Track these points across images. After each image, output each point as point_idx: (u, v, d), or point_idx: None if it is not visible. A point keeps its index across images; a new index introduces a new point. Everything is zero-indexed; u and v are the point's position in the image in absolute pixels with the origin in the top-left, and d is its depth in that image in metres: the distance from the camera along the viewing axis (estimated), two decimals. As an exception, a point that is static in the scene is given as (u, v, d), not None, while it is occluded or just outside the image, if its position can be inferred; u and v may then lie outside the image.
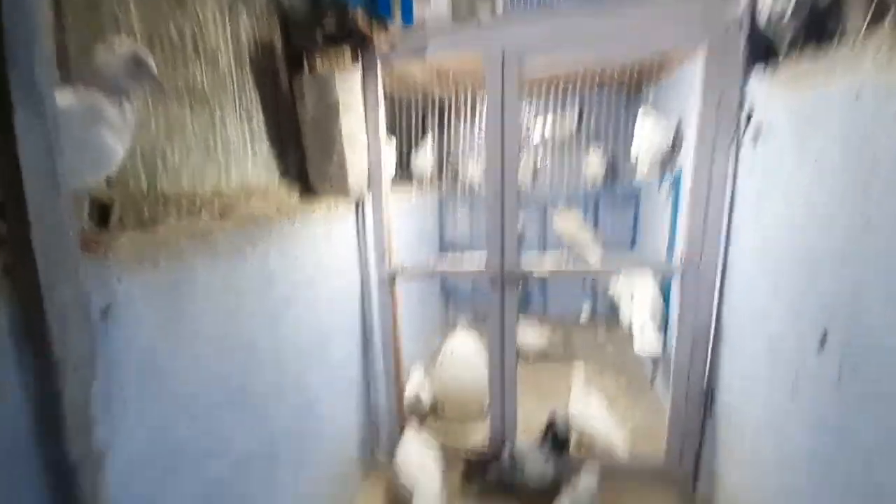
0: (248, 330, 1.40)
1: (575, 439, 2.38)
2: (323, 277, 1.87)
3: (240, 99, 1.62)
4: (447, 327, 3.86)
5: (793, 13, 1.32)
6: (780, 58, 1.47)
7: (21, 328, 0.75)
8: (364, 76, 1.97)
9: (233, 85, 1.58)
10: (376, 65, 1.99)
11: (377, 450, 2.38)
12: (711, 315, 1.91)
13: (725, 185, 1.81)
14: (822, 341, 1.20)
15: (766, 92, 1.57)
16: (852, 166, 1.08)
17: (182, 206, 1.23)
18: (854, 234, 1.07)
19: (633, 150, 2.68)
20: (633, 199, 3.90)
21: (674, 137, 2.48)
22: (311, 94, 1.78)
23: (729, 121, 1.76)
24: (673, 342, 2.23)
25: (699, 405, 2.01)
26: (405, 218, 3.08)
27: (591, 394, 2.58)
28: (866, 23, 1.12)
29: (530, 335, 3.60)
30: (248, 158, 1.66)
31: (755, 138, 1.63)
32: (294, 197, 1.83)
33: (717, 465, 1.89)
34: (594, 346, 3.74)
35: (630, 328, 2.87)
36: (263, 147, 1.74)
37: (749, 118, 1.68)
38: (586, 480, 1.69)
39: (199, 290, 1.19)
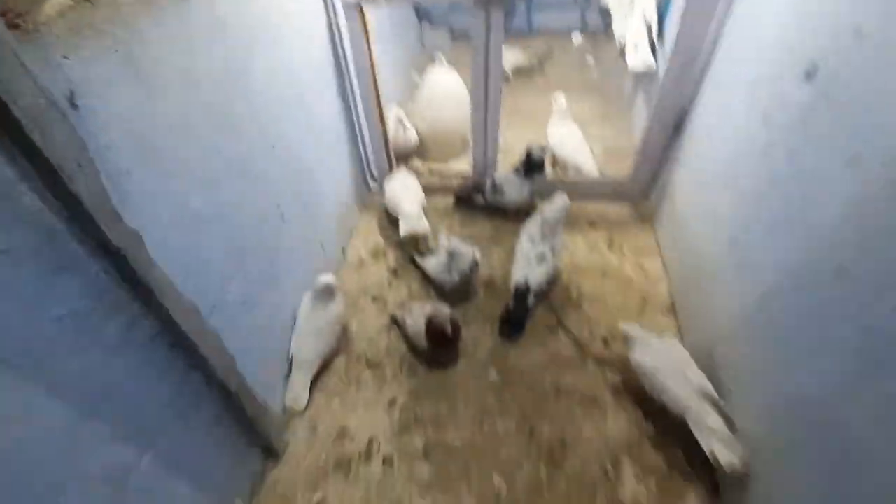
0: (221, 93, 1.31)
1: (550, 163, 2.59)
2: (283, 14, 1.61)
3: None
4: (424, 58, 3.57)
5: None
6: None
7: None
8: None
9: None
10: None
11: (370, 185, 2.59)
12: (711, 34, 1.80)
13: None
14: (810, 74, 1.20)
15: None
16: None
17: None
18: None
19: None
20: None
21: None
22: None
23: None
24: (663, 61, 2.17)
25: (672, 124, 2.10)
26: None
27: (568, 121, 2.66)
28: None
29: (511, 56, 3.40)
30: None
31: None
32: None
33: (673, 180, 2.15)
34: (580, 66, 3.59)
35: (621, 44, 2.71)
36: None
37: None
38: (557, 202, 1.94)
39: (156, 55, 1.04)
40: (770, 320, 1.29)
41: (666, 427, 1.59)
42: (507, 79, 3.28)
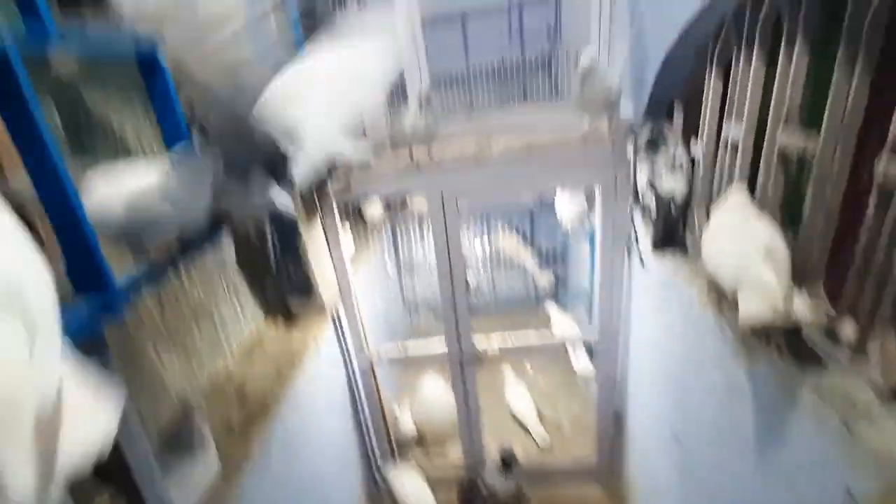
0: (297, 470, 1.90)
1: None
2: (320, 390, 2.32)
3: (226, 281, 1.92)
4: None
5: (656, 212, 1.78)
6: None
7: None
8: (323, 215, 2.27)
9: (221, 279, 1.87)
10: (332, 204, 2.28)
11: (378, 483, 3.02)
12: (618, 370, 2.55)
13: (622, 288, 2.34)
14: (675, 435, 1.84)
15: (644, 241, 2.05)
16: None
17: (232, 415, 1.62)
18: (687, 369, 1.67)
19: (557, 210, 3.18)
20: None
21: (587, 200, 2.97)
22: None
23: (622, 238, 2.23)
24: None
25: (615, 427, 2.72)
26: (370, 292, 3.47)
27: (519, 387, 3.47)
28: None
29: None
30: (240, 319, 1.99)
31: (641, 262, 2.13)
32: (281, 330, 2.20)
33: (630, 469, 2.65)
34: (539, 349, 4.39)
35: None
36: (247, 299, 2.06)
37: (637, 239, 2.16)
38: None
39: (258, 482, 1.63)
40: None
41: None
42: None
